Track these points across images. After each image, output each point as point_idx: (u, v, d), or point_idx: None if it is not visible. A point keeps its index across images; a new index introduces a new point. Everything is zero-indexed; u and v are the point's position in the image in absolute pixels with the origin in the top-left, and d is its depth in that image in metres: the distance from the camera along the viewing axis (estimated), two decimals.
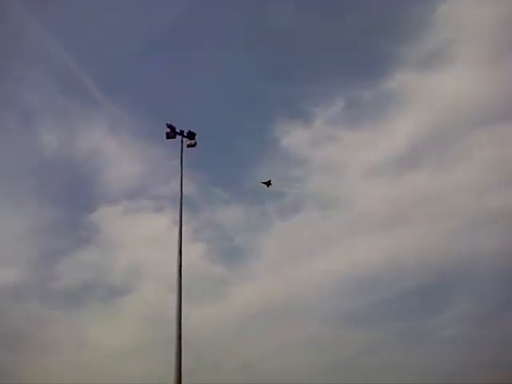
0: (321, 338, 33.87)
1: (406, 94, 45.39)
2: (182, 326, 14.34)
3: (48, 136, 47.87)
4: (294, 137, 47.73)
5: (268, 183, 22.74)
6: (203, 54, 52.07)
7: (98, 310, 37.35)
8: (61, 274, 39.88)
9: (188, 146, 18.58)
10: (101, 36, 52.62)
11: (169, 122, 18.62)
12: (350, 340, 34.40)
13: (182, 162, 17.99)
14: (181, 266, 15.35)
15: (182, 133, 18.57)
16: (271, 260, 41.26)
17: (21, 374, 30.57)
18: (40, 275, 39.51)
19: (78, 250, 41.82)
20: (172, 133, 18.50)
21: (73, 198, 47.07)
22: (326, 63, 52.23)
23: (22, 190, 45.26)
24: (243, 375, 30.95)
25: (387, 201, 41.21)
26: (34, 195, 45.16)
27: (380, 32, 48.72)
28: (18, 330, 34.35)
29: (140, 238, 42.27)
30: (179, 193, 17.14)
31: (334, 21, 52.16)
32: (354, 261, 38.08)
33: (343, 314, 36.14)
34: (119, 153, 49.93)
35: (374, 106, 47.49)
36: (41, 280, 39.41)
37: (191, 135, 18.67)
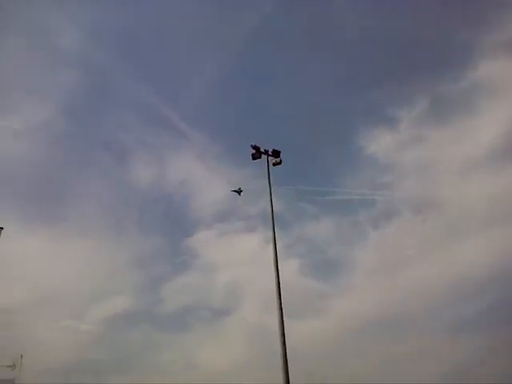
0: (434, 347, 32.08)
1: (494, 83, 42.49)
2: (286, 341, 14.52)
3: (142, 171, 51.60)
4: (379, 142, 46.85)
5: (239, 191, 22.08)
6: (280, 66, 53.03)
7: (202, 331, 38.87)
8: (165, 299, 42.26)
9: (274, 164, 18.98)
10: (182, 73, 55.93)
11: (253, 143, 19.21)
12: (464, 349, 32.25)
13: (269, 180, 18.41)
14: (279, 282, 15.60)
15: (266, 152, 19.04)
16: (368, 270, 40.30)
17: None
18: (146, 301, 42.24)
19: (179, 275, 44.17)
20: (257, 153, 19.03)
21: (169, 225, 50.00)
22: (402, 61, 50.62)
23: (124, 222, 48.99)
24: None
25: (488, 198, 38.36)
26: (134, 226, 48.63)
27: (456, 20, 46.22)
28: (129, 354, 36.75)
29: (235, 259, 43.57)
30: (268, 211, 17.51)
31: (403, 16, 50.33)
32: (457, 265, 35.87)
33: (453, 322, 34.07)
34: (208, 178, 52.20)
35: (460, 100, 45.01)
36: (147, 306, 42.12)
37: (276, 153, 19.06)
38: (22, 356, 22.33)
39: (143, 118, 55.87)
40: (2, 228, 15.39)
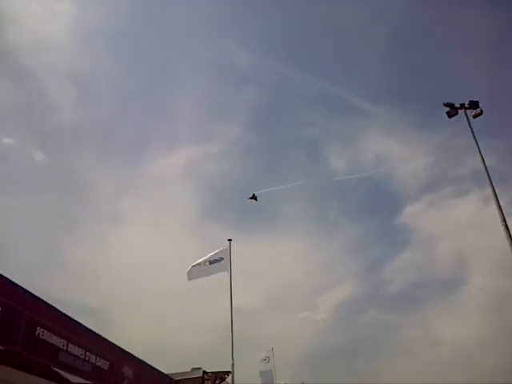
0: None
1: None
2: None
3: (336, 160, 52.41)
4: None
5: (254, 197, 19.63)
6: None
7: (436, 306, 37.11)
8: (389, 280, 41.74)
9: (474, 116, 17.05)
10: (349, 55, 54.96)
11: (445, 101, 17.63)
12: None
13: (473, 135, 16.60)
14: None
15: (463, 106, 17.23)
16: None
17: (380, 376, 32.84)
18: (370, 285, 42.46)
19: (398, 253, 43.19)
20: (452, 110, 17.34)
21: (375, 207, 49.38)
22: None
23: (330, 215, 50.36)
24: None
25: None
26: (341, 216, 49.52)
27: None
28: (369, 337, 37.28)
29: (453, 226, 40.56)
30: (480, 169, 15.75)
31: None
32: None
33: None
34: (402, 151, 49.97)
35: None
36: (371, 289, 42.35)
37: (474, 104, 17.10)
38: (272, 349, 24.81)
39: (325, 109, 56.52)
40: (230, 240, 17.29)
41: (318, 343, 38.16)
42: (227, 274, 16.30)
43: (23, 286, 9.22)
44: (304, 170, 53.34)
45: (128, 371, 12.58)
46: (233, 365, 15.58)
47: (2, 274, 8.62)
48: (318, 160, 56.01)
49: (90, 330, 11.39)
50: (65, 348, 10.07)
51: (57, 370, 9.72)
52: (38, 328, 9.32)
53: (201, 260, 16.93)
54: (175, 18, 50.70)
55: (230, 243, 17.04)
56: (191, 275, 16.67)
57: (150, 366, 14.05)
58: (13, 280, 8.90)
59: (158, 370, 14.58)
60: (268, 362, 25.04)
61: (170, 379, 15.56)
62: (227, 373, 16.79)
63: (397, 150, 49.71)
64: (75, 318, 10.83)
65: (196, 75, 54.49)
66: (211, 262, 16.56)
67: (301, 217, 51.13)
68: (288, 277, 42.24)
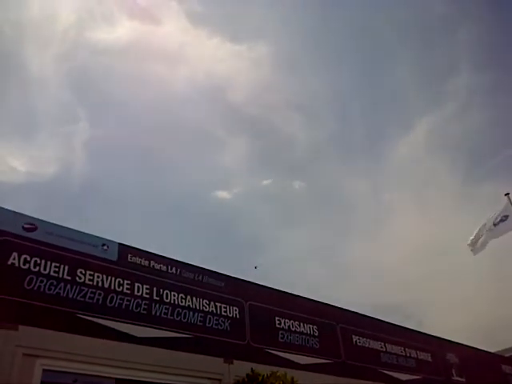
0: None
1: None
2: None
3: None
4: None
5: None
6: None
7: None
8: None
9: None
10: None
11: None
12: None
13: None
14: None
15: None
16: None
17: None
18: None
19: None
20: None
21: None
22: None
23: None
24: None
25: None
26: None
27: None
28: None
29: None
30: None
31: None
32: None
33: None
34: None
35: None
36: None
37: None
38: None
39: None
40: (508, 194, 15.24)
41: None
42: None
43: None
44: None
45: (452, 358, 12.05)
46: None
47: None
48: None
49: (401, 326, 11.45)
50: (384, 349, 10.33)
51: (383, 371, 9.99)
52: (354, 336, 9.86)
53: (481, 228, 15.27)
54: None
55: (508, 197, 14.92)
56: (476, 248, 15.16)
57: (473, 347, 13.16)
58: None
59: (483, 351, 13.55)
60: None
61: (500, 356, 14.28)
62: None
63: None
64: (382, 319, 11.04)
65: None
66: (495, 224, 14.76)
67: None
68: None
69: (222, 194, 35.01)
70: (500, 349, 15.06)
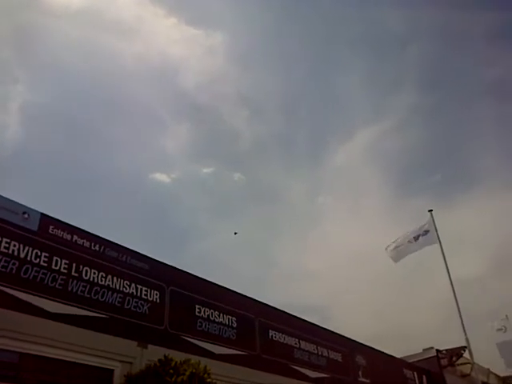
0: None
1: None
2: None
3: None
4: None
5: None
6: None
7: None
8: None
9: None
10: None
11: None
12: None
13: None
14: None
15: None
16: None
17: None
18: None
19: None
20: None
21: None
22: None
23: None
24: None
25: None
26: None
27: None
28: None
29: None
30: None
31: None
32: None
33: None
34: None
35: None
36: None
37: None
38: (507, 316, 22.40)
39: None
40: (431, 210, 16.25)
41: None
42: (437, 246, 15.24)
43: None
44: None
45: (361, 360, 12.66)
46: (467, 339, 14.53)
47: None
48: None
49: (317, 326, 11.84)
50: (298, 346, 10.64)
51: (294, 367, 10.31)
52: (271, 331, 10.08)
53: (403, 238, 16.22)
54: None
55: (431, 214, 15.94)
56: (397, 256, 16.10)
57: (380, 351, 13.92)
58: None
59: (389, 355, 14.36)
60: (505, 331, 22.63)
61: (403, 362, 15.22)
62: (463, 348, 15.60)
63: None
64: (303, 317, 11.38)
65: None
66: (416, 238, 15.72)
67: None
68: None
69: (161, 177, 34.33)
70: (403, 355, 16.03)
